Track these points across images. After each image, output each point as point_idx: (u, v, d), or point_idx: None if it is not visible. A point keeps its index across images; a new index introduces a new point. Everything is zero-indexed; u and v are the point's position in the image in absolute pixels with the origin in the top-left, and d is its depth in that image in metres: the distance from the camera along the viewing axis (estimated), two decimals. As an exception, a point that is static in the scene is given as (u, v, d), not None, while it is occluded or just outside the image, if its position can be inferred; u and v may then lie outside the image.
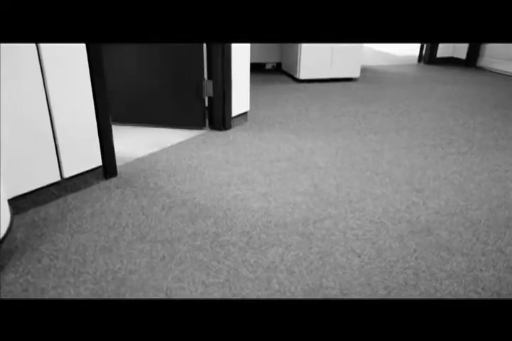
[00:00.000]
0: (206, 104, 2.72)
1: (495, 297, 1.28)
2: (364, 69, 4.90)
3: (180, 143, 2.53)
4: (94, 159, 1.93)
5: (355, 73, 4.27)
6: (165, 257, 1.46)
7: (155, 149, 2.43)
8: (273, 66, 4.85)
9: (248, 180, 2.06)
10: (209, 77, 2.63)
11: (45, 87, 1.64)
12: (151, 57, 2.65)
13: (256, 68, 4.73)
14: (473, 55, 5.15)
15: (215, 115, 2.73)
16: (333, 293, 1.29)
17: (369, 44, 7.15)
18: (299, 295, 1.28)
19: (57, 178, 1.79)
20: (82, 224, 1.65)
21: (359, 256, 1.48)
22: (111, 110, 2.74)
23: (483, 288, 1.32)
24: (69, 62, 1.70)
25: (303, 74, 4.14)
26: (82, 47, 1.73)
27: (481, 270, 1.41)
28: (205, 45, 2.55)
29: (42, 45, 1.58)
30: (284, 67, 4.66)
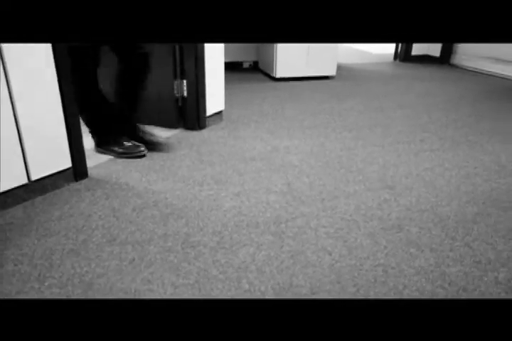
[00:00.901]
0: (180, 103, 2.70)
1: (461, 292, 1.30)
2: (340, 67, 4.93)
3: (153, 143, 2.49)
4: (63, 161, 1.89)
5: (332, 71, 4.29)
6: (134, 259, 1.44)
7: (128, 149, 2.40)
8: (250, 65, 4.84)
9: (222, 179, 2.04)
10: (182, 76, 2.61)
11: (8, 84, 1.60)
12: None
13: (233, 67, 4.71)
14: (446, 53, 5.24)
15: (189, 114, 2.70)
16: (303, 292, 1.29)
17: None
18: (269, 294, 1.28)
19: (25, 181, 1.75)
20: (49, 227, 1.61)
21: (330, 254, 1.48)
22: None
23: (449, 284, 1.34)
24: (33, 59, 1.65)
25: (279, 73, 4.14)
26: (47, 44, 1.69)
27: (448, 265, 1.43)
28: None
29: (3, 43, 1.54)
30: (260, 66, 4.65)
